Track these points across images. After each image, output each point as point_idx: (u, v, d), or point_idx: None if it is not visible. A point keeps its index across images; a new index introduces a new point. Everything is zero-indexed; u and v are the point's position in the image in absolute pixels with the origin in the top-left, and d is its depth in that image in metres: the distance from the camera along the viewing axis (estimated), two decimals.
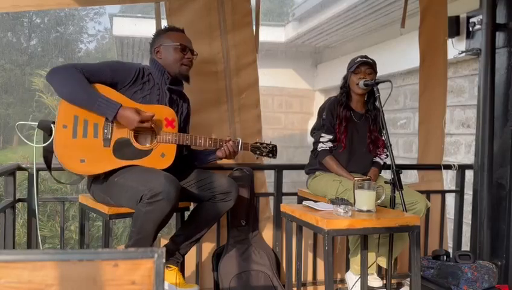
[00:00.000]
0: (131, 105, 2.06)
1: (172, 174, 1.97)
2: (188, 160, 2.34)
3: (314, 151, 2.61)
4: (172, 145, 2.12)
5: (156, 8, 2.67)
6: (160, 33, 2.29)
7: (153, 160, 2.08)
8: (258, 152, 2.31)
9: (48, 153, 2.11)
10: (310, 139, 2.72)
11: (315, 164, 2.64)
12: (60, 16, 14.76)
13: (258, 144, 2.32)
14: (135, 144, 2.07)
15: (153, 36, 2.30)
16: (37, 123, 2.12)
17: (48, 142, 2.07)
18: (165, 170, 2.04)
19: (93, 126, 2.02)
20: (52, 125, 2.04)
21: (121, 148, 2.05)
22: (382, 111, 2.37)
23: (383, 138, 2.53)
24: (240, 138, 2.28)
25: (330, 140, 2.56)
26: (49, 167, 2.19)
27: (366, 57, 2.58)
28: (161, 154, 2.10)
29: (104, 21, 18.86)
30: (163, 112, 2.13)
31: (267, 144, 2.34)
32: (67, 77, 1.97)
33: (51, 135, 2.04)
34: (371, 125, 2.63)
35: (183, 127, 2.33)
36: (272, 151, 2.34)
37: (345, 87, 2.64)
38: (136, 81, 2.12)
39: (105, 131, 2.03)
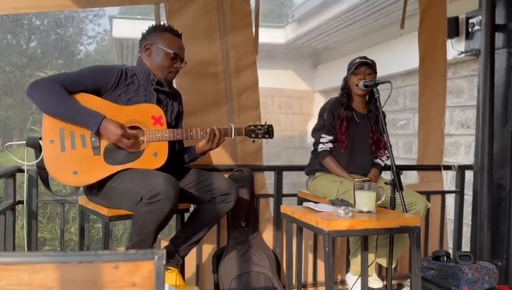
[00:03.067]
0: (115, 109, 2.03)
1: (169, 174, 1.95)
2: (181, 157, 2.30)
3: (315, 151, 2.61)
4: (163, 143, 2.07)
5: (155, 10, 2.67)
6: (157, 29, 2.19)
7: (146, 160, 2.04)
8: (253, 135, 2.24)
9: (41, 170, 2.08)
10: (310, 140, 2.71)
11: (315, 165, 2.64)
12: (60, 18, 14.78)
13: (252, 127, 2.25)
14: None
15: (148, 28, 2.20)
16: (24, 142, 2.10)
17: (38, 160, 2.05)
18: (160, 169, 2.02)
19: (80, 136, 1.99)
20: (40, 141, 2.02)
21: (112, 154, 2.02)
22: (382, 112, 2.37)
23: (385, 139, 2.53)
24: (232, 124, 2.21)
25: (330, 141, 2.56)
26: (46, 183, 2.18)
27: (365, 57, 2.57)
28: (153, 154, 2.06)
29: (103, 23, 18.90)
30: (150, 110, 2.08)
31: (261, 126, 2.25)
32: (48, 92, 1.95)
33: (41, 151, 2.01)
34: (373, 126, 2.62)
35: (175, 126, 2.28)
36: (268, 131, 2.26)
37: (346, 88, 2.63)
38: (119, 84, 2.07)
39: (93, 140, 2.00)
